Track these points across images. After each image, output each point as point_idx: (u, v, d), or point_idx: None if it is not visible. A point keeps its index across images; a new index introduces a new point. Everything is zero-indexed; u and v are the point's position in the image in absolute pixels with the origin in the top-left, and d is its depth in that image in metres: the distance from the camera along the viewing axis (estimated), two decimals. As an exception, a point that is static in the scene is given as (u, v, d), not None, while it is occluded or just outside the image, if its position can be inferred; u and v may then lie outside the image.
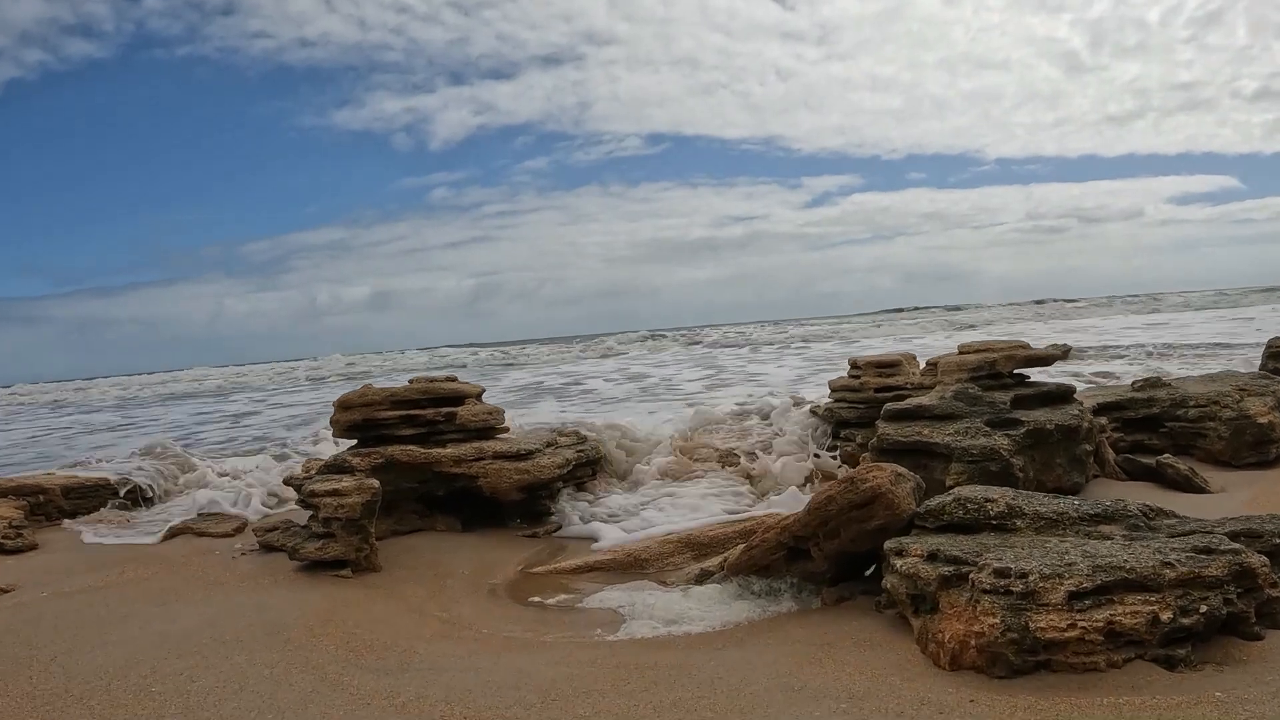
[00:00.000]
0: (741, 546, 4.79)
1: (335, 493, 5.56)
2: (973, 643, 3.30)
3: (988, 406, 5.96)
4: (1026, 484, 5.64)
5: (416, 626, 4.34)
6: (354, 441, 6.86)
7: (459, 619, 4.51)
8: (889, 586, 3.90)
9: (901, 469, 4.44)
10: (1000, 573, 3.36)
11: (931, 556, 3.81)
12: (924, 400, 6.02)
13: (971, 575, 3.50)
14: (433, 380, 6.75)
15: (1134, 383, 8.22)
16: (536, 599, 4.93)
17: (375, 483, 5.66)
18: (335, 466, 6.16)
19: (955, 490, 4.40)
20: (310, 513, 5.86)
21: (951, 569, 3.65)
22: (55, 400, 34.25)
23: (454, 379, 6.91)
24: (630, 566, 5.33)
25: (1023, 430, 5.77)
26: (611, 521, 6.29)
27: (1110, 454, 6.93)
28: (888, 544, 4.12)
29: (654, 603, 4.55)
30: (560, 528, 6.33)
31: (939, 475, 5.63)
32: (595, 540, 5.93)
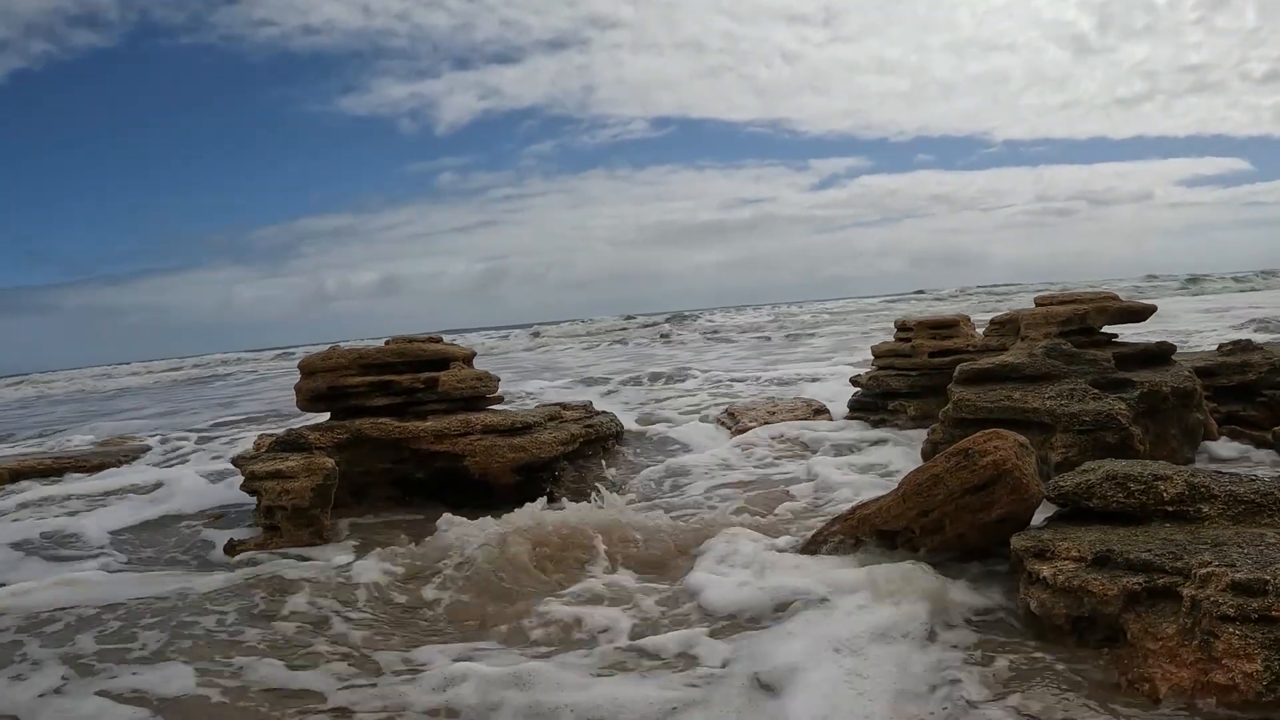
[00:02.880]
0: (803, 542, 3.52)
1: (278, 475, 4.32)
2: (1214, 698, 2.03)
3: (1089, 365, 4.68)
4: (1144, 458, 4.36)
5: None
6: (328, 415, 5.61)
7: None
8: (1034, 605, 2.63)
9: (1023, 439, 3.16)
10: (1244, 587, 2.09)
11: (1101, 561, 2.54)
12: (1009, 358, 4.73)
13: (1184, 591, 2.24)
14: (411, 340, 5.47)
15: (1221, 346, 6.90)
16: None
17: (329, 462, 4.41)
18: (289, 443, 4.90)
19: (1101, 465, 3.13)
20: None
21: (1143, 580, 2.38)
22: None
23: (438, 339, 5.63)
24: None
25: (1136, 393, 4.49)
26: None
27: (1214, 425, 5.63)
28: (1019, 541, 2.85)
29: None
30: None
31: (1038, 449, 4.34)
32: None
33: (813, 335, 17.66)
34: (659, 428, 7.04)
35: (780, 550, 3.43)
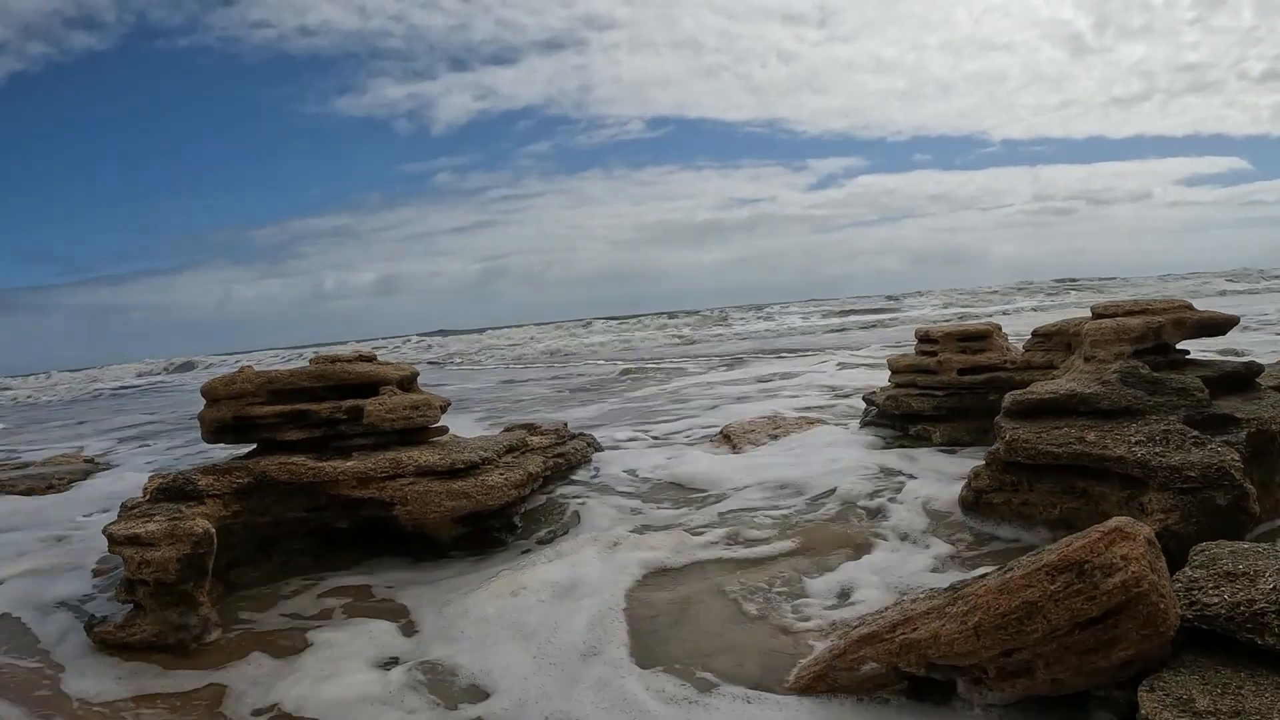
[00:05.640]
0: (811, 663, 2.43)
1: (135, 540, 3.26)
2: None
3: (1177, 395, 3.57)
4: (1257, 522, 3.27)
5: None
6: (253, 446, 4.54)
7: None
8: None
9: (1149, 531, 2.06)
10: None
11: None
12: (1077, 385, 3.62)
13: None
14: (336, 359, 4.39)
15: (1292, 359, 5.78)
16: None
17: (200, 526, 3.34)
18: (175, 490, 3.82)
19: (1258, 568, 2.04)
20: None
21: None
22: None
23: (370, 357, 4.55)
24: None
25: (1243, 434, 3.38)
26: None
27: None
28: (1158, 708, 1.77)
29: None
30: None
31: (1116, 511, 3.26)
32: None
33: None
34: (637, 451, 5.95)
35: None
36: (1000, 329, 5.65)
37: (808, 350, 15.98)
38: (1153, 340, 4.09)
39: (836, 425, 5.99)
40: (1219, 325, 4.43)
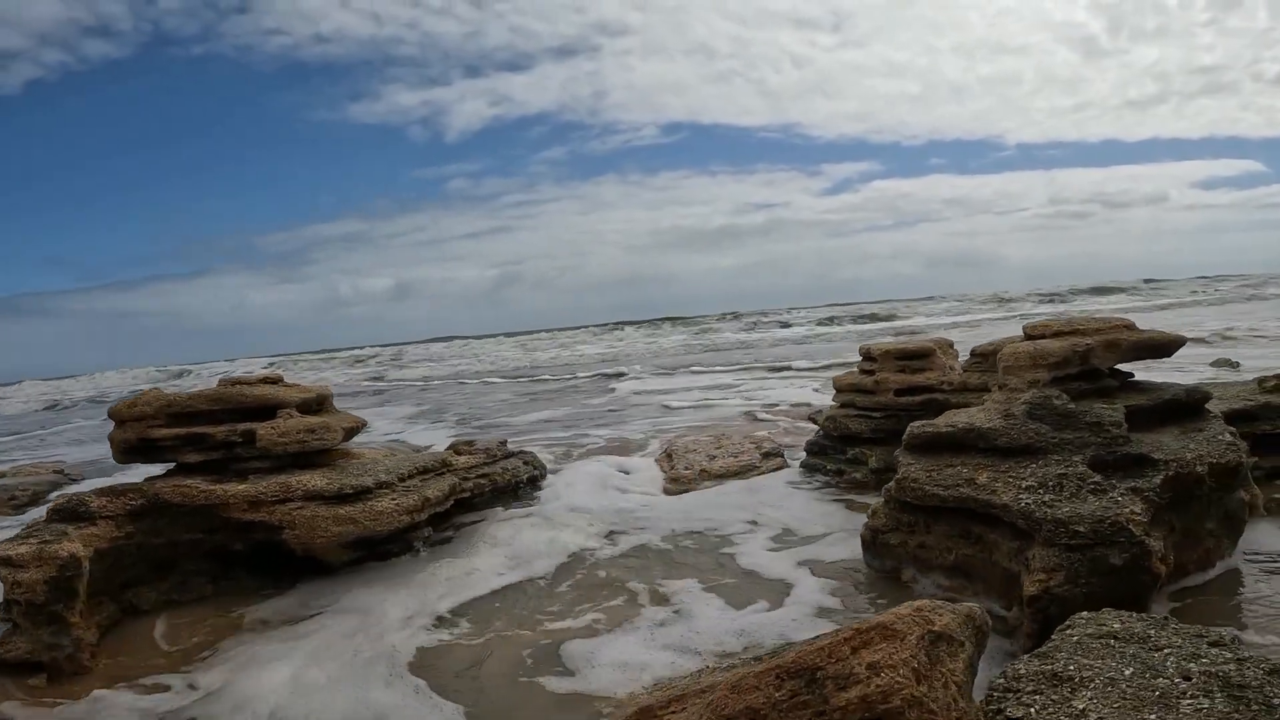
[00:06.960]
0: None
1: (8, 562, 3.18)
2: None
3: (1089, 430, 3.15)
4: (1165, 581, 2.84)
5: None
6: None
7: None
8: None
9: (943, 624, 1.71)
10: None
11: None
12: (977, 418, 3.23)
13: None
14: (237, 382, 4.23)
15: (1262, 380, 5.21)
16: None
17: (69, 550, 3.24)
18: (68, 510, 3.71)
19: (1094, 678, 1.67)
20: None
21: None
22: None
23: (275, 378, 4.38)
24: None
25: (1159, 478, 2.95)
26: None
27: (1259, 496, 4.00)
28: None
29: None
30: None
31: (1007, 562, 2.88)
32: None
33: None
34: (575, 468, 5.69)
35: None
36: (950, 346, 5.21)
37: (798, 359, 15.49)
38: (1078, 365, 3.63)
39: (781, 438, 5.62)
40: (1161, 346, 3.94)
